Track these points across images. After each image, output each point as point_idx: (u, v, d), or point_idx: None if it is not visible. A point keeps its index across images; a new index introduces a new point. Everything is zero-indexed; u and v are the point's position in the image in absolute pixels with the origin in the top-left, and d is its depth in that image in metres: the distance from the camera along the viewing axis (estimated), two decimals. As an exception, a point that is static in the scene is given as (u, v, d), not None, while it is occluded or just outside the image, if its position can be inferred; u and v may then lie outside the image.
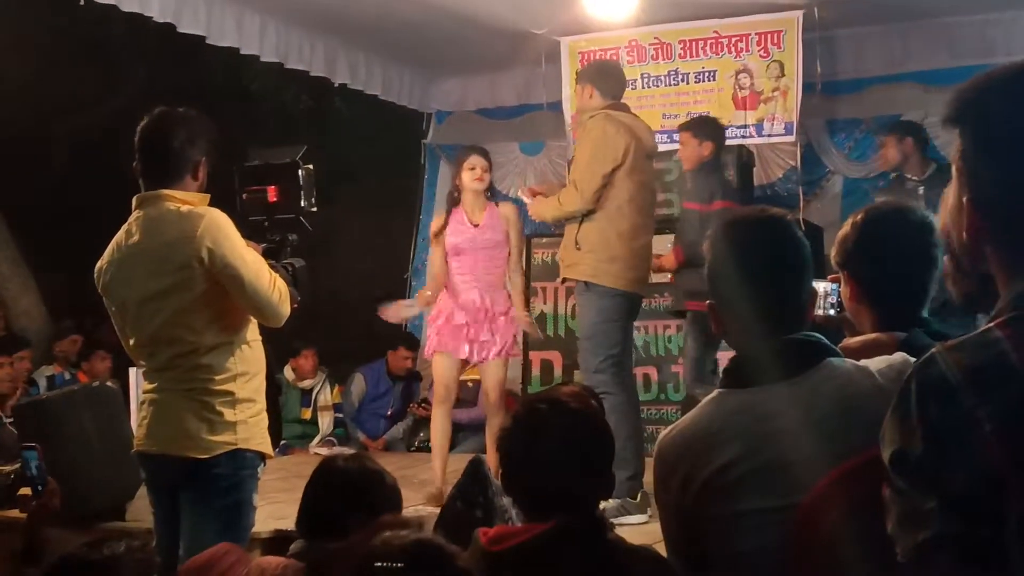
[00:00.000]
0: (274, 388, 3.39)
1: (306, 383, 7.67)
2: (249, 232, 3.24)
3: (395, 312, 5.79)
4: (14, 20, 8.14)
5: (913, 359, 1.39)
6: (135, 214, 3.14)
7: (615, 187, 4.64)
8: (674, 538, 1.97)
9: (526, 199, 5.13)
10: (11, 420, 5.33)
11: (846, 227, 2.26)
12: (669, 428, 1.98)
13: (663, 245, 5.75)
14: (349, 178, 10.10)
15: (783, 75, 6.63)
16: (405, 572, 1.66)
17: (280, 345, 5.74)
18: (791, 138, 6.78)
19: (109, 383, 5.03)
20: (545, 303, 7.33)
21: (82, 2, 5.49)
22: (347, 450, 6.48)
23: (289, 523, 2.92)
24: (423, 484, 5.19)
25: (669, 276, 5.94)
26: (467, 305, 5.16)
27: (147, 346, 3.13)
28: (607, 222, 4.64)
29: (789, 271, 1.93)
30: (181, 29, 5.94)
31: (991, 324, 1.23)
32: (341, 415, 7.78)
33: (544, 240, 7.24)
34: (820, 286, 2.27)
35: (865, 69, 7.01)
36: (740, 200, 5.75)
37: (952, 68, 6.32)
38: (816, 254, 2.00)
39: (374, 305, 5.89)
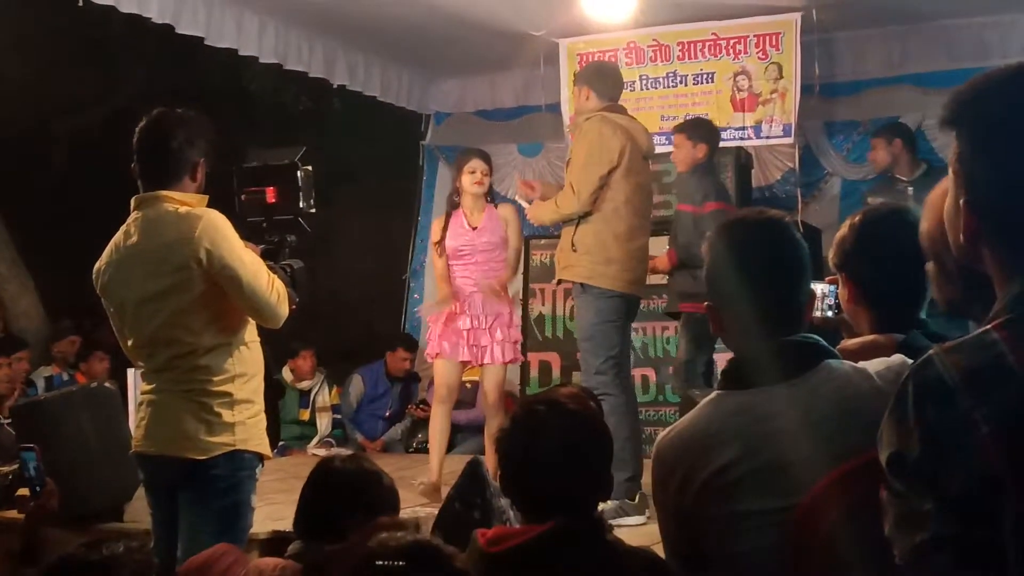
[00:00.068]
0: (274, 390, 3.39)
1: (304, 384, 7.66)
2: (248, 233, 3.24)
3: (427, 309, 5.96)
4: (14, 20, 8.13)
5: (911, 361, 1.39)
6: (133, 215, 3.14)
7: (611, 189, 4.63)
8: (672, 539, 1.96)
9: (520, 193, 5.15)
10: (9, 421, 5.31)
11: (844, 229, 2.26)
12: (668, 429, 1.98)
13: (661, 247, 5.74)
14: (348, 179, 10.08)
15: (781, 77, 6.63)
16: (403, 573, 1.66)
17: (278, 346, 5.74)
18: (789, 140, 6.78)
19: (107, 384, 5.01)
20: (543, 304, 7.32)
21: (81, 3, 5.49)
22: (345, 451, 6.46)
23: (287, 524, 2.91)
24: (421, 485, 5.19)
25: (664, 278, 5.94)
26: (468, 308, 5.17)
27: (145, 347, 3.13)
28: (603, 224, 4.64)
29: (787, 273, 1.93)
30: (180, 30, 5.94)
31: (988, 326, 1.23)
32: (339, 416, 7.78)
33: (543, 242, 7.23)
34: (818, 288, 2.27)
35: (863, 71, 7.02)
36: (732, 202, 5.76)
37: (950, 70, 6.33)
38: (814, 256, 2.01)
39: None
